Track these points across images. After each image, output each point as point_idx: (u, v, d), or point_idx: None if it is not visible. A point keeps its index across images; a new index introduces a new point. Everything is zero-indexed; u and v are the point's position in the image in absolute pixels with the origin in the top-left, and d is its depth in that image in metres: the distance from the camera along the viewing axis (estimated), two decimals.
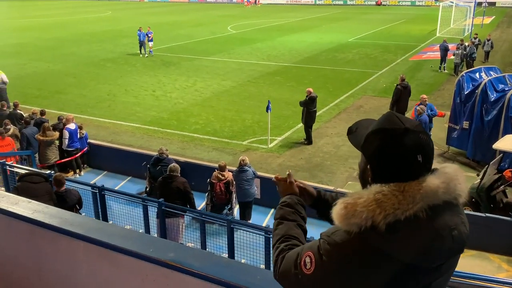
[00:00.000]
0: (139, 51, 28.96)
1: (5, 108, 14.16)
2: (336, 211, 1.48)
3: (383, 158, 1.51)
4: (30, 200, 2.84)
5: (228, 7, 69.65)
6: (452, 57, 23.76)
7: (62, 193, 7.44)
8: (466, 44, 24.22)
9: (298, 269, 1.56)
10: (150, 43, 28.57)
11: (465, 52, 23.57)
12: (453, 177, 1.50)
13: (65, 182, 7.53)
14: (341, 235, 1.48)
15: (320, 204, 2.04)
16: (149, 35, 28.21)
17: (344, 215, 1.45)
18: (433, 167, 1.55)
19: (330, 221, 1.59)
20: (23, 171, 10.41)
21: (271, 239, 7.31)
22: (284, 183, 2.01)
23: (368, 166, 1.57)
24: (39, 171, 8.87)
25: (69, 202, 7.41)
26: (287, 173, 2.05)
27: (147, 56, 28.44)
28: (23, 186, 7.36)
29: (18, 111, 14.00)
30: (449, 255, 1.50)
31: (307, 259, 1.54)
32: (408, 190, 1.43)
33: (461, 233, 1.50)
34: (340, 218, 1.46)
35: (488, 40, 25.67)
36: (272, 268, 1.79)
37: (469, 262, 8.02)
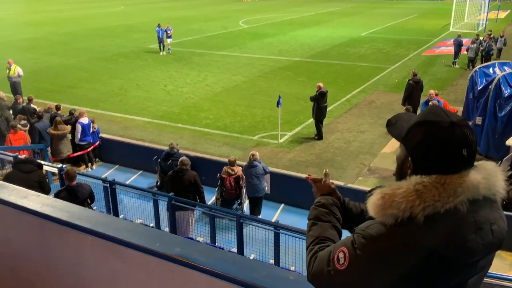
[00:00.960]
0: (159, 49, 27.73)
1: (19, 101, 14.30)
2: (373, 201, 1.47)
3: (427, 151, 1.48)
4: (39, 194, 2.86)
5: (227, 1, 69.16)
6: (465, 52, 23.47)
7: (74, 188, 7.49)
8: (481, 38, 23.94)
9: (330, 265, 1.53)
10: (169, 40, 27.44)
11: (481, 48, 23.30)
12: (493, 173, 1.50)
13: (76, 176, 7.58)
14: (376, 228, 1.46)
15: (342, 212, 1.96)
16: (168, 31, 27.14)
17: (381, 205, 1.44)
18: None
19: (350, 229, 1.58)
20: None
21: (281, 234, 7.33)
22: (320, 183, 1.98)
23: (409, 158, 1.55)
24: (33, 159, 8.94)
25: (80, 196, 7.47)
26: (324, 172, 2.03)
27: (165, 54, 27.37)
28: (12, 174, 7.57)
29: (32, 105, 14.14)
30: (488, 250, 1.47)
31: (341, 255, 1.51)
32: (449, 183, 1.42)
33: (501, 228, 1.50)
34: (377, 209, 1.45)
35: (501, 37, 24.94)
36: (281, 265, 1.77)
37: None
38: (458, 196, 1.40)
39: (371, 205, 1.47)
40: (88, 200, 7.74)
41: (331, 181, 2.01)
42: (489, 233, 1.45)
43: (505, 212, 6.10)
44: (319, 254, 1.62)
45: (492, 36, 25.14)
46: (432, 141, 1.47)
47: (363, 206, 1.96)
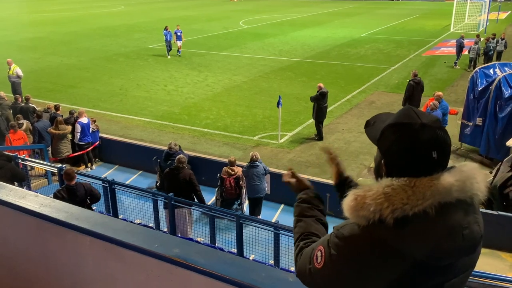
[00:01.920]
0: (166, 52, 26.65)
1: (19, 101, 14.30)
2: (346, 202, 1.48)
3: (397, 153, 1.48)
4: (38, 194, 2.85)
5: (215, 1, 69.13)
6: (466, 53, 23.47)
7: (73, 187, 7.48)
8: (482, 39, 23.91)
9: (311, 264, 1.58)
10: (179, 42, 26.26)
11: (482, 48, 23.32)
12: (469, 176, 1.46)
13: (75, 176, 7.56)
14: (349, 228, 1.47)
15: (344, 188, 2.01)
16: (178, 33, 26.03)
17: (354, 207, 1.44)
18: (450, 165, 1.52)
19: None
20: (35, 165, 10.56)
21: (280, 235, 7.32)
22: (294, 182, 2.01)
23: (383, 161, 1.55)
24: (2, 152, 8.95)
25: (79, 196, 7.46)
26: (290, 171, 2.05)
27: (170, 58, 26.34)
28: None
29: (31, 104, 14.13)
30: (459, 254, 1.45)
31: (318, 253, 1.54)
32: (418, 186, 1.40)
33: (473, 232, 1.46)
34: (350, 210, 1.45)
35: (502, 39, 24.48)
36: (281, 266, 1.80)
37: (481, 261, 7.87)
38: (427, 199, 1.38)
39: (345, 206, 1.47)
40: (89, 199, 7.73)
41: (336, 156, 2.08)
42: (459, 237, 1.43)
43: (510, 214, 6.02)
44: (304, 251, 1.67)
45: (492, 38, 24.93)
46: (403, 143, 1.47)
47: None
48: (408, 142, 1.46)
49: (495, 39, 24.00)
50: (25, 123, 12.52)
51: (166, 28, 26.02)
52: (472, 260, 1.55)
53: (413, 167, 1.45)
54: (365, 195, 1.44)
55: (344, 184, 2.05)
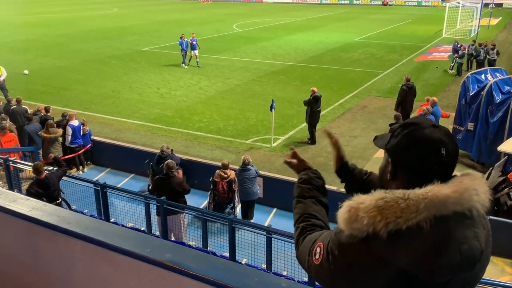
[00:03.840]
0: (182, 62, 24.91)
1: (11, 103, 14.15)
2: (341, 213, 1.45)
3: (405, 148, 1.49)
4: (28, 197, 2.82)
5: (181, 3, 68.96)
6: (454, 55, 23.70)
7: (44, 180, 7.66)
8: (474, 46, 24.09)
9: (309, 256, 1.60)
10: (195, 52, 24.68)
11: (474, 53, 23.50)
12: (468, 187, 1.41)
13: (43, 170, 7.82)
14: (346, 236, 1.45)
15: (345, 173, 2.07)
16: (193, 42, 24.50)
17: (348, 219, 1.42)
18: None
19: (351, 192, 1.63)
20: (26, 167, 10.48)
21: (273, 239, 7.30)
22: (295, 162, 2.02)
23: (390, 160, 1.55)
24: None
25: (51, 187, 7.69)
26: (291, 150, 2.06)
27: (187, 68, 24.60)
28: None
29: (23, 106, 14.01)
30: (456, 271, 1.38)
31: (318, 249, 1.55)
32: (412, 198, 1.36)
33: (472, 248, 1.39)
34: (344, 222, 1.43)
35: (492, 50, 23.48)
36: (273, 270, 1.80)
37: None
38: (421, 212, 1.34)
39: (340, 217, 1.44)
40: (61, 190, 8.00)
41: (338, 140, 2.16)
42: (456, 253, 1.35)
43: (504, 220, 6.05)
44: (307, 238, 1.68)
45: (484, 45, 24.77)
46: (412, 138, 1.48)
47: (364, 173, 2.09)
48: (417, 138, 1.47)
49: (486, 47, 23.88)
50: (8, 124, 12.35)
51: (181, 37, 24.54)
52: (474, 275, 1.47)
53: (419, 166, 1.45)
54: (358, 207, 1.40)
55: (344, 169, 2.07)
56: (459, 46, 23.53)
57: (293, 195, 1.89)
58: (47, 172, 8.22)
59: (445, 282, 1.39)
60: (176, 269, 2.16)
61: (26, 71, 22.61)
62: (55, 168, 8.56)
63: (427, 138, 1.45)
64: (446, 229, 1.37)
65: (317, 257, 1.54)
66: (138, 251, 2.28)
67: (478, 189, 1.43)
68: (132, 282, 2.38)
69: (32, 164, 10.88)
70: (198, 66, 24.71)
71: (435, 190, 1.38)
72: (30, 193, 7.40)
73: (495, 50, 23.65)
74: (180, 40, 24.60)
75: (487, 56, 23.47)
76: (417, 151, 1.46)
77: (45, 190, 7.59)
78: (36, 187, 7.65)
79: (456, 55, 23.37)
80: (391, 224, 1.34)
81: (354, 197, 1.45)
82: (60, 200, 8.53)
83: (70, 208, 8.65)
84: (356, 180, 2.03)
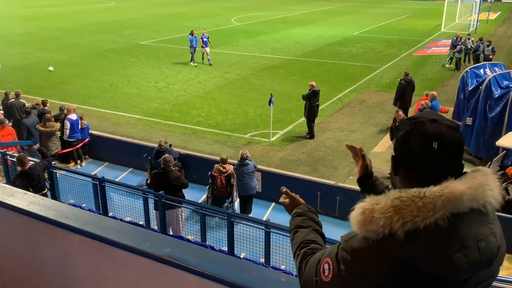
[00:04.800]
0: (190, 60, 23.81)
1: (9, 97, 14.10)
2: (354, 216, 1.41)
3: (401, 142, 1.49)
4: (26, 192, 2.81)
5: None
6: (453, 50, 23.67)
7: (28, 171, 7.71)
8: (472, 39, 24.05)
9: (318, 276, 1.52)
10: (206, 49, 23.46)
11: (472, 47, 23.47)
12: (482, 183, 1.40)
13: (27, 161, 7.92)
14: (359, 241, 1.41)
15: (367, 183, 2.01)
16: (204, 38, 23.34)
17: (362, 221, 1.38)
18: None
19: None
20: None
21: (271, 233, 7.31)
22: (287, 201, 2.00)
23: (392, 156, 1.55)
24: None
25: (36, 178, 7.76)
26: (283, 190, 2.03)
27: (195, 66, 23.46)
28: None
29: (21, 100, 13.97)
30: (476, 268, 1.37)
31: (326, 266, 1.49)
32: (428, 196, 1.34)
33: (490, 244, 1.38)
34: (358, 225, 1.39)
35: (488, 46, 23.05)
36: (271, 264, 1.77)
37: None
38: (439, 210, 1.32)
39: (353, 220, 1.41)
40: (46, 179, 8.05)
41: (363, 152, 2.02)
42: (475, 250, 1.35)
43: (501, 214, 6.04)
44: (310, 260, 1.61)
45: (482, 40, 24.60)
46: (407, 133, 1.48)
47: (385, 186, 2.00)
48: (411, 132, 1.46)
49: (483, 43, 23.66)
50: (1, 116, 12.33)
51: (191, 33, 23.34)
52: (492, 272, 1.47)
53: (412, 159, 1.45)
54: (373, 208, 1.37)
55: (368, 178, 2.00)
56: (458, 40, 23.46)
57: (289, 229, 1.87)
58: (31, 163, 8.25)
59: (464, 280, 1.38)
60: (175, 264, 2.16)
61: (51, 68, 22.42)
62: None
63: (419, 132, 1.44)
64: (464, 226, 1.36)
65: (326, 274, 1.48)
66: (136, 246, 2.28)
67: (491, 184, 1.42)
68: (130, 276, 2.37)
69: (29, 158, 10.88)
70: (210, 64, 23.58)
71: (450, 187, 1.36)
72: (15, 185, 7.45)
73: (491, 47, 23.32)
74: (190, 36, 23.39)
75: (483, 53, 23.41)
76: (409, 145, 1.46)
77: (29, 181, 7.74)
78: (20, 179, 7.79)
79: (454, 50, 23.31)
80: (409, 223, 1.32)
81: (367, 198, 1.42)
82: (46, 190, 8.60)
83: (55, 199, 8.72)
84: (376, 192, 1.98)
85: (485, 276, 1.45)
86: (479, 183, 1.40)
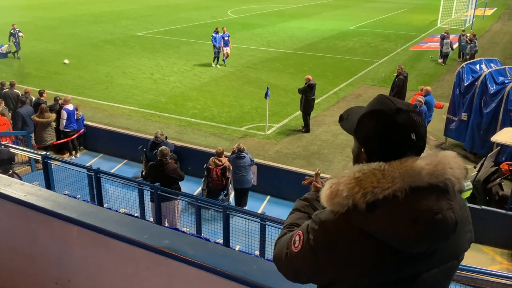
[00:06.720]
0: (212, 61, 21.89)
1: (4, 87, 13.98)
2: (323, 191, 1.49)
3: (376, 139, 1.50)
4: (23, 182, 2.80)
5: None
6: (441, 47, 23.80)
7: None
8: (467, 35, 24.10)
9: (288, 248, 1.58)
10: (226, 49, 21.70)
11: (462, 43, 23.59)
12: (442, 161, 1.45)
13: None
14: (326, 213, 1.49)
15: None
16: (225, 37, 21.54)
17: (329, 195, 1.46)
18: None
19: None
20: (19, 152, 10.41)
21: (267, 226, 7.32)
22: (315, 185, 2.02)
23: (363, 149, 1.55)
24: None
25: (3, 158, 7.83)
26: (315, 173, 2.05)
27: (219, 67, 21.59)
28: None
29: (15, 90, 13.87)
30: (431, 240, 1.40)
31: (297, 238, 1.55)
32: (388, 169, 1.41)
33: (447, 218, 1.40)
34: (326, 198, 1.47)
35: (471, 41, 22.75)
36: (266, 257, 1.78)
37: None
38: (397, 182, 1.39)
39: (322, 195, 1.49)
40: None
41: (321, 179, 2.01)
42: (430, 222, 1.38)
43: (495, 209, 6.10)
44: (284, 237, 1.67)
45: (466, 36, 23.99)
46: (380, 129, 1.48)
47: None
48: (385, 127, 1.48)
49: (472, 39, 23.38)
50: (1, 108, 12.23)
51: (216, 31, 21.38)
52: (454, 250, 1.52)
53: (392, 151, 1.46)
54: (339, 182, 1.45)
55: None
56: (446, 36, 23.43)
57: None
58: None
59: (422, 253, 1.42)
60: (174, 256, 2.16)
61: (66, 60, 22.17)
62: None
63: (393, 126, 1.46)
64: (421, 199, 1.40)
65: (296, 244, 1.54)
66: (135, 237, 2.27)
67: (452, 163, 1.47)
68: (129, 268, 2.37)
69: (24, 148, 10.83)
70: (224, 66, 21.83)
71: (409, 161, 1.43)
72: None
73: (474, 43, 23.01)
74: (213, 34, 21.33)
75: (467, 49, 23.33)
76: (387, 141, 1.47)
77: None
78: None
79: (442, 45, 23.41)
80: (369, 194, 1.39)
81: (335, 174, 1.50)
82: (11, 171, 8.57)
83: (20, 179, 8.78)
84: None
85: (447, 256, 1.51)
86: (439, 160, 1.46)
